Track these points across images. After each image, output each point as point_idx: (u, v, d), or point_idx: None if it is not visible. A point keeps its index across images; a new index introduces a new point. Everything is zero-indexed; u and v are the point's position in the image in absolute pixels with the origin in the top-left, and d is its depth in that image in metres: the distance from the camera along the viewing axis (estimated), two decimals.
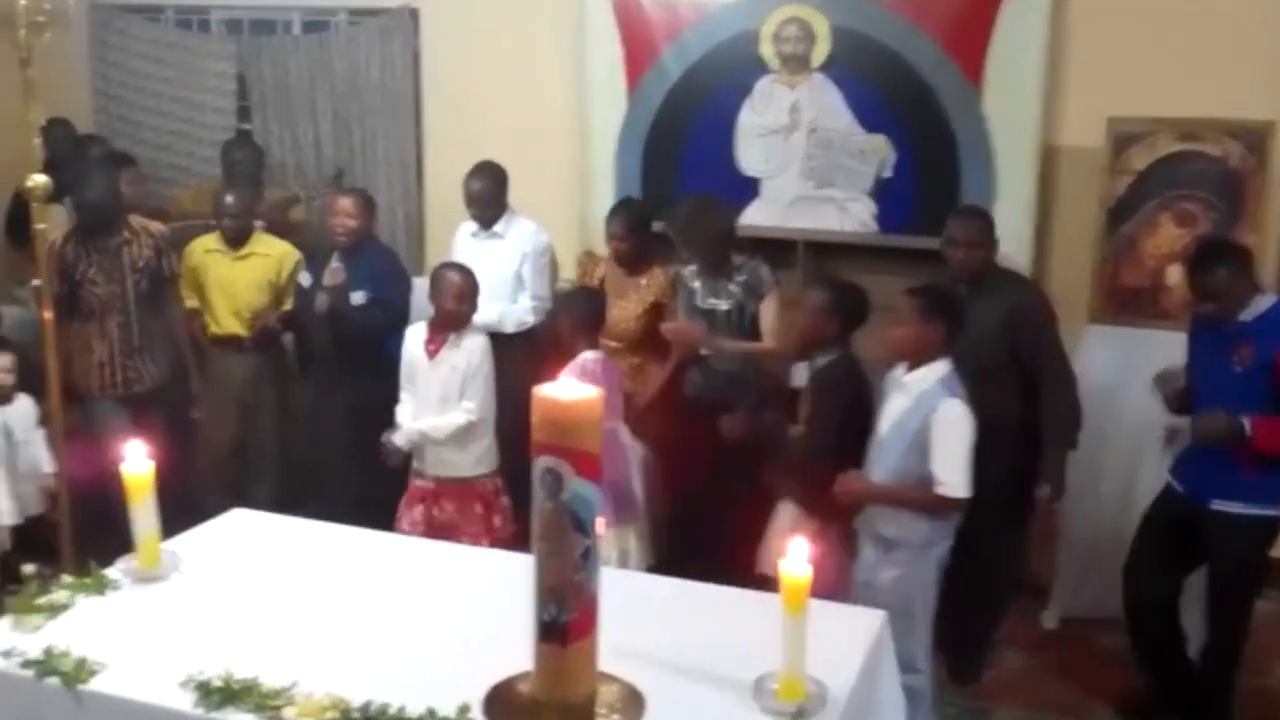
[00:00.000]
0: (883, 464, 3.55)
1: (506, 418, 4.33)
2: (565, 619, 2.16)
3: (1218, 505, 3.64)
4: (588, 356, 4.16)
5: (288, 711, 2.32)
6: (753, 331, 4.44)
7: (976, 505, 3.59)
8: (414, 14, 5.84)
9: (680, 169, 5.33)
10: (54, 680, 2.46)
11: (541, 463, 2.14)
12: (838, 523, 3.69)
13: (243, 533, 3.35)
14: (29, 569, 2.83)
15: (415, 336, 4.40)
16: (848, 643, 2.63)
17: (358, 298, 4.77)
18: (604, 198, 5.36)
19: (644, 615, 2.73)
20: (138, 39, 6.28)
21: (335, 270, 4.76)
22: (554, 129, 5.54)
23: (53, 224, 4.42)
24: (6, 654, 2.54)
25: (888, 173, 5.10)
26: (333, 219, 4.91)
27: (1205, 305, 3.62)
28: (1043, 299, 4.16)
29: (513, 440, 4.51)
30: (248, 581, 2.99)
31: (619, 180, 5.43)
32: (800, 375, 4.24)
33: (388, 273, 4.96)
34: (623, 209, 4.81)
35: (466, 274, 4.34)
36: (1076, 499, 4.57)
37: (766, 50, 5.16)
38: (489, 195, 4.98)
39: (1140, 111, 4.60)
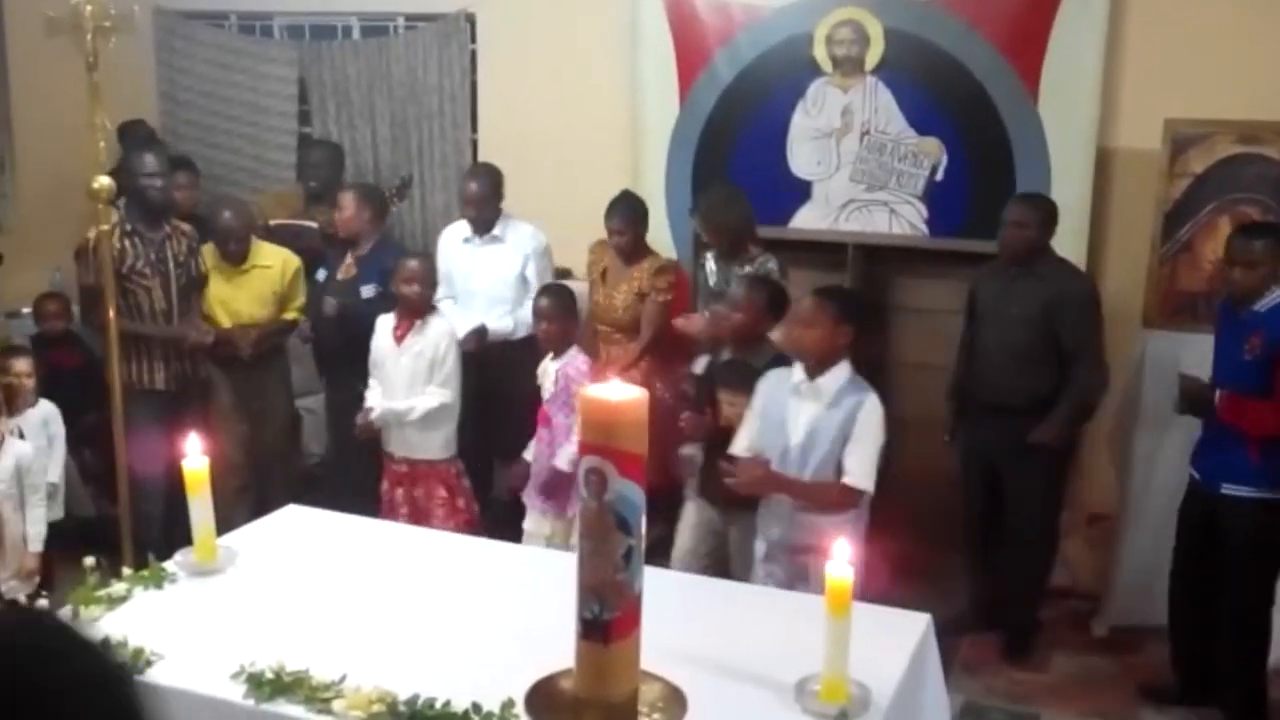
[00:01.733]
0: (806, 469, 3.46)
1: (491, 407, 4.63)
2: (607, 617, 2.18)
3: (1228, 490, 3.72)
4: (575, 357, 4.28)
5: (337, 704, 2.37)
6: None
7: (1014, 489, 3.70)
8: (470, 19, 5.90)
9: (731, 172, 5.33)
10: None
11: (586, 462, 2.16)
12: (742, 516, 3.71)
13: (297, 528, 3.41)
14: (89, 561, 2.90)
15: (384, 325, 4.58)
16: (892, 645, 2.63)
17: (367, 291, 4.90)
18: (655, 200, 5.38)
19: (686, 615, 2.75)
20: (202, 45, 6.40)
21: (347, 266, 4.98)
22: (606, 132, 5.57)
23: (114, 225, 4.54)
24: None
25: (939, 176, 5.07)
26: (337, 213, 5.04)
27: (1234, 270, 3.70)
28: (1091, 289, 4.23)
29: (481, 429, 4.81)
30: (301, 576, 3.05)
31: (670, 183, 5.44)
32: (700, 365, 4.40)
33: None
34: (621, 203, 4.91)
35: (423, 259, 4.60)
36: (1128, 508, 4.53)
37: (820, 53, 5.15)
38: (486, 197, 5.05)
39: (1198, 114, 4.53)
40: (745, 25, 5.23)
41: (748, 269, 4.56)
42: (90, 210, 4.24)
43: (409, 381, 4.49)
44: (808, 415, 3.49)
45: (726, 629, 2.75)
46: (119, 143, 5.93)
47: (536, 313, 4.42)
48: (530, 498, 4.37)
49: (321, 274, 5.10)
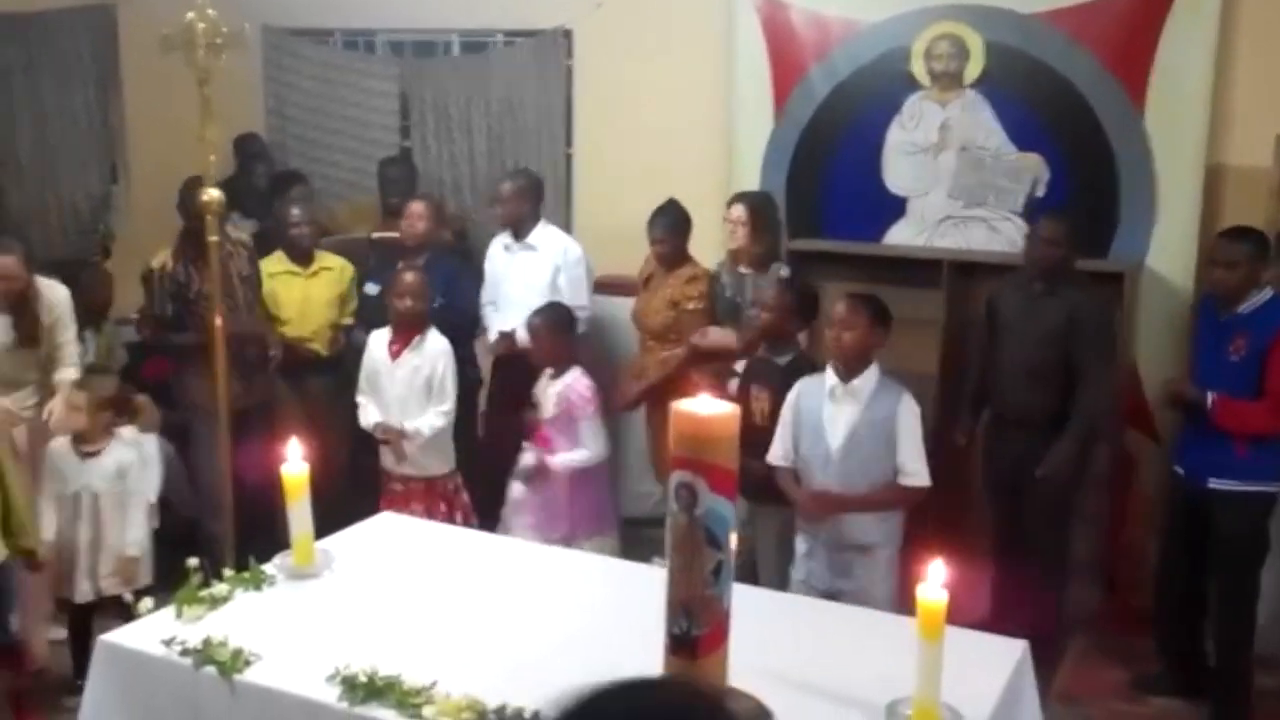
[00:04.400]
0: (847, 471, 3.59)
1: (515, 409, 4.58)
2: (696, 633, 2.18)
3: (1215, 484, 3.83)
4: (577, 375, 4.31)
5: (427, 710, 2.40)
6: None
7: (1028, 499, 3.92)
8: (568, 35, 5.96)
9: (826, 187, 5.30)
10: (210, 669, 2.60)
11: (677, 477, 2.16)
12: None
13: (391, 535, 3.47)
14: (192, 562, 2.98)
15: (379, 340, 4.55)
16: (986, 670, 2.58)
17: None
18: None
19: (776, 632, 2.73)
20: (308, 61, 6.57)
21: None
22: (701, 146, 5.58)
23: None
24: (168, 642, 2.68)
25: (1040, 192, 4.97)
26: (403, 222, 5.05)
27: (1215, 271, 3.83)
28: (1103, 309, 4.24)
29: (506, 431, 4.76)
30: (394, 581, 3.10)
31: None
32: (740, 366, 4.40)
33: (457, 279, 5.10)
34: (663, 213, 4.92)
35: (417, 273, 4.51)
36: None
37: (917, 67, 5.09)
38: (515, 197, 5.13)
39: None
40: (842, 39, 5.20)
41: (781, 274, 4.62)
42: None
43: (404, 397, 4.45)
44: (846, 418, 3.61)
45: (815, 647, 2.72)
46: (234, 155, 6.15)
47: (528, 330, 4.46)
48: (515, 518, 4.37)
49: (373, 288, 5.05)
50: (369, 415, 4.52)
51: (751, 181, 5.41)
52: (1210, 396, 3.79)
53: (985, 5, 4.94)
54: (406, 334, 4.48)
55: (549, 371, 4.42)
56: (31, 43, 6.32)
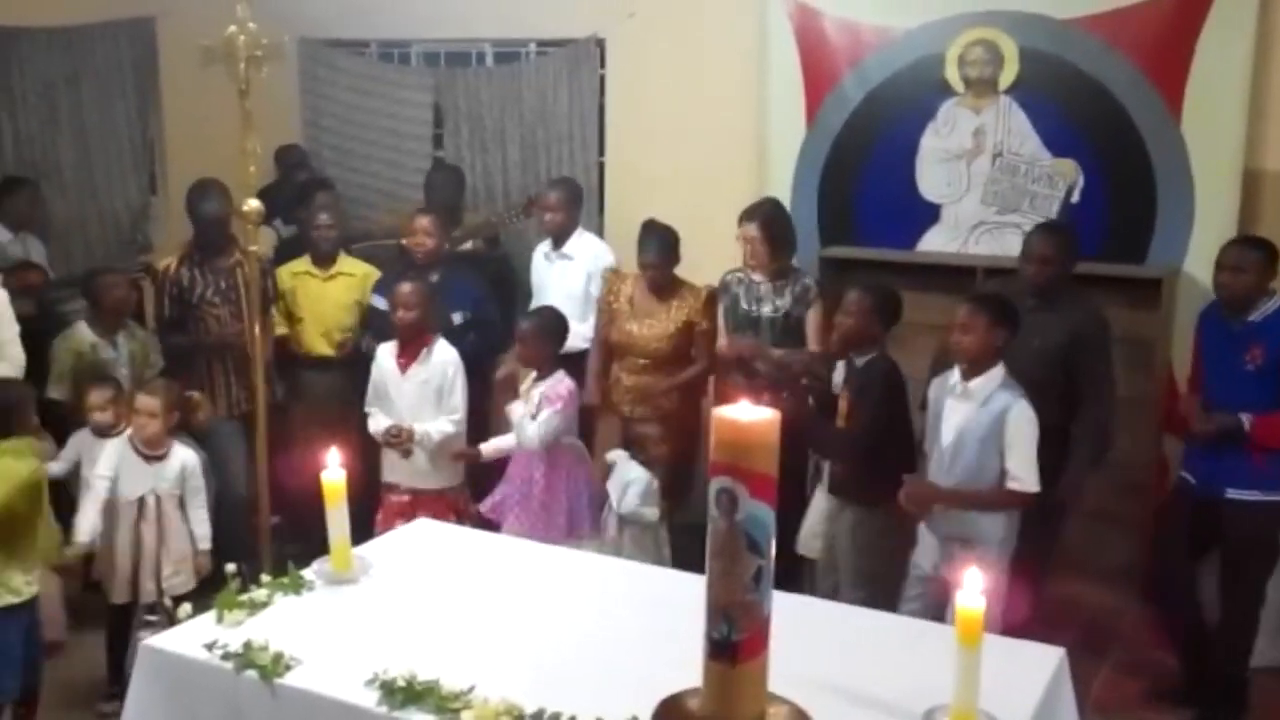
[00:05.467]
0: (955, 469, 3.65)
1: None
2: (736, 638, 2.18)
3: (1233, 493, 3.83)
4: (561, 376, 4.32)
5: (465, 715, 2.41)
6: (798, 336, 4.63)
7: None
8: (600, 44, 5.99)
9: (859, 194, 5.30)
10: (252, 673, 2.62)
11: (717, 483, 2.16)
12: (885, 511, 3.86)
13: (428, 541, 3.49)
14: (230, 567, 3.02)
15: (386, 352, 4.55)
16: (1024, 678, 2.56)
17: (457, 318, 4.88)
18: None
19: (814, 639, 2.72)
20: (344, 71, 6.64)
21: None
22: (733, 154, 5.59)
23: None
24: (209, 646, 2.71)
25: (1076, 198, 4.95)
26: (410, 239, 4.96)
27: (1222, 274, 3.84)
28: (1104, 320, 4.19)
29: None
30: (432, 587, 3.11)
31: (796, 205, 5.41)
32: (837, 379, 4.32)
33: (482, 292, 5.09)
34: (655, 237, 4.81)
35: (415, 284, 4.48)
36: None
37: (951, 73, 5.09)
38: (564, 204, 5.20)
39: None
40: (875, 46, 5.20)
41: (793, 289, 4.61)
42: (239, 229, 4.44)
43: (415, 409, 4.45)
44: (959, 416, 3.67)
45: (854, 655, 2.72)
46: (275, 166, 6.22)
47: (517, 334, 4.46)
48: (501, 513, 4.36)
49: (380, 301, 4.90)
50: (379, 423, 4.52)
51: (783, 189, 5.42)
52: (1247, 420, 3.77)
53: (1020, 11, 4.93)
54: (413, 346, 4.47)
55: (533, 375, 4.39)
56: (74, 55, 6.41)
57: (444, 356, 4.49)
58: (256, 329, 4.26)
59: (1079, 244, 4.25)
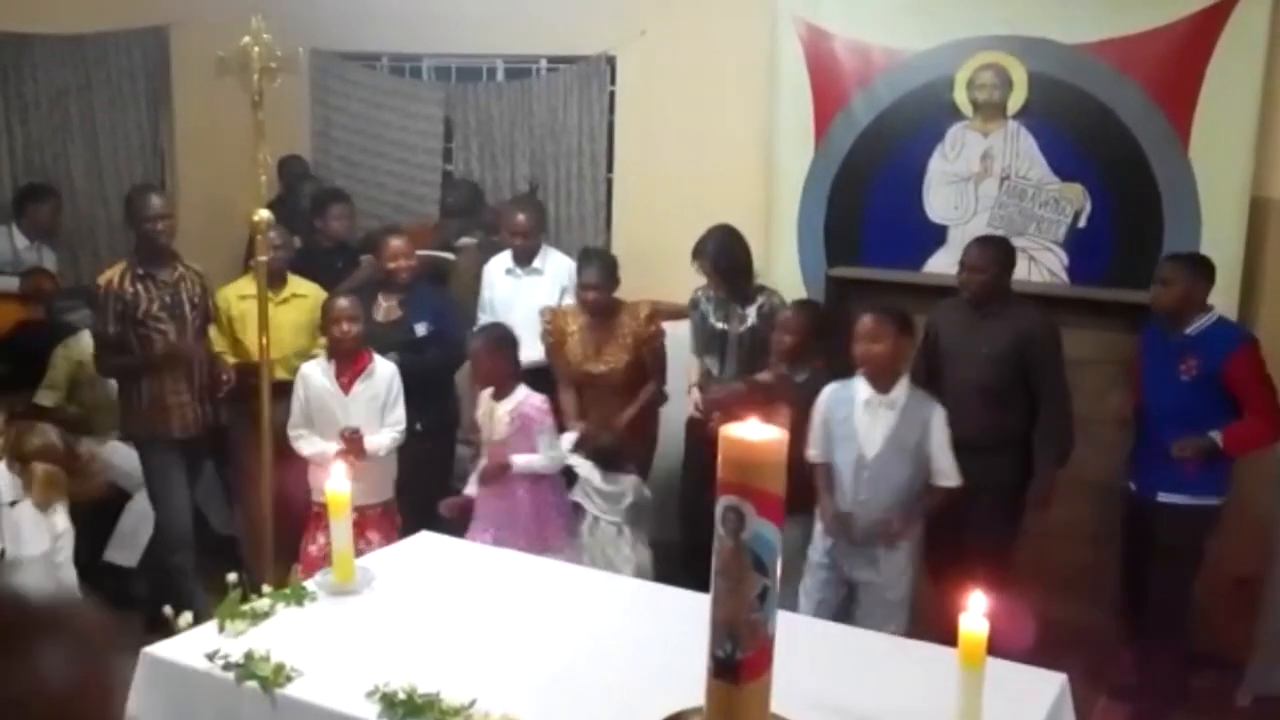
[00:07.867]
0: (886, 481, 3.83)
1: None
2: (739, 657, 2.18)
3: (1164, 497, 4.05)
4: (527, 392, 4.30)
5: None
6: (764, 353, 4.65)
7: (975, 512, 4.00)
8: (610, 61, 6.01)
9: (866, 215, 5.30)
10: (253, 684, 2.62)
11: (724, 501, 2.16)
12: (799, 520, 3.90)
13: (430, 554, 3.49)
14: (231, 577, 3.01)
15: (315, 370, 4.43)
16: (1025, 702, 2.56)
17: (420, 329, 4.87)
18: (788, 243, 5.40)
19: (816, 660, 2.72)
20: (356, 85, 6.66)
21: (388, 309, 4.87)
22: (741, 172, 5.60)
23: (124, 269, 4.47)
24: (210, 656, 2.71)
25: (1082, 223, 4.96)
26: (391, 263, 4.83)
27: (1155, 288, 4.04)
28: (1053, 325, 4.27)
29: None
30: (434, 600, 3.11)
31: (803, 225, 5.43)
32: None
33: (445, 307, 5.10)
34: (595, 258, 4.93)
35: (351, 298, 4.44)
36: (1273, 571, 4.36)
37: (960, 97, 5.10)
38: (532, 228, 5.24)
39: None
40: (885, 68, 5.21)
41: (757, 307, 4.72)
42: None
43: (366, 426, 4.35)
44: (883, 427, 3.84)
45: (856, 676, 2.71)
46: (279, 176, 6.23)
47: (470, 353, 4.43)
48: (476, 533, 4.26)
49: None
50: (313, 444, 4.36)
51: (791, 208, 5.43)
52: (1218, 437, 3.94)
53: (1029, 36, 4.94)
54: (353, 363, 4.39)
55: (489, 392, 4.33)
56: (86, 63, 6.44)
57: (385, 370, 4.45)
58: (264, 340, 4.21)
59: (1013, 255, 4.37)
